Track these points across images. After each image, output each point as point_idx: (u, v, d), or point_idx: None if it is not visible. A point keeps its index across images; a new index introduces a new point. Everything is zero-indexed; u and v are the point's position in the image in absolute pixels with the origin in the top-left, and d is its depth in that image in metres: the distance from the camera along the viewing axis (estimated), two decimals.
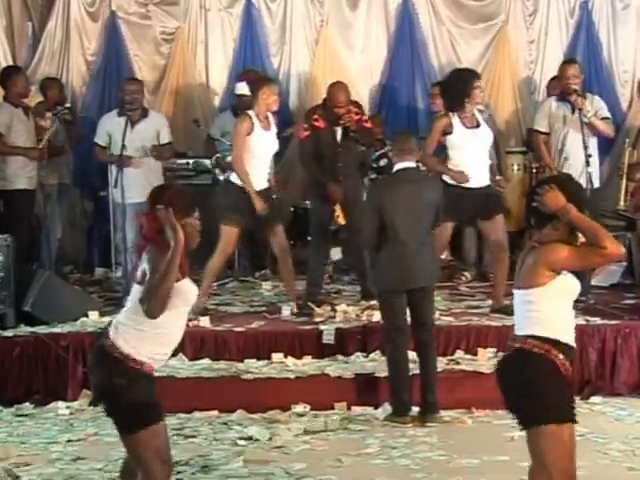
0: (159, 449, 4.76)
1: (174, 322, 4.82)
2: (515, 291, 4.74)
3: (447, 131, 8.28)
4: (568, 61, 9.52)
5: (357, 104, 9.04)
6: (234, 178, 8.36)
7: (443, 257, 9.05)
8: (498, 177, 8.65)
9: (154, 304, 4.64)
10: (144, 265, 4.75)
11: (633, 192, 9.11)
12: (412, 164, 7.26)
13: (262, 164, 8.34)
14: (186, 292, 4.83)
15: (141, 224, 4.85)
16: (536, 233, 4.72)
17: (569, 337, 4.66)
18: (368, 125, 8.92)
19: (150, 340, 4.75)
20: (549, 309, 4.59)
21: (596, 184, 8.85)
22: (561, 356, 4.58)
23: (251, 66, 10.69)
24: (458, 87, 8.31)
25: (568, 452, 4.56)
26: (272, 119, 8.43)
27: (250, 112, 8.30)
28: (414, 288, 7.12)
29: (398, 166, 7.24)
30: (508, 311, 7.98)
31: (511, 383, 4.67)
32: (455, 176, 8.10)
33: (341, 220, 9.00)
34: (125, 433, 4.77)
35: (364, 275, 8.77)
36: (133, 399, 4.71)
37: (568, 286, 4.66)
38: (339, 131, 8.67)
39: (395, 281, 7.10)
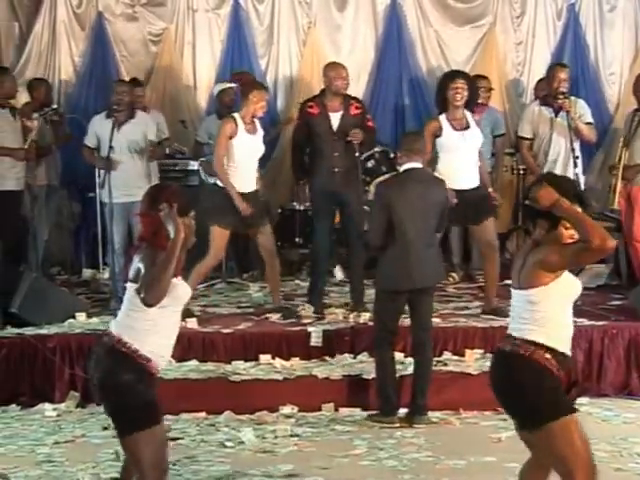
0: (157, 451, 4.75)
1: (166, 321, 4.81)
2: (515, 291, 4.75)
3: (437, 134, 8.27)
4: (559, 65, 9.51)
5: (358, 100, 8.96)
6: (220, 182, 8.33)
7: None
8: (491, 189, 8.59)
9: (152, 292, 4.64)
10: (138, 264, 4.76)
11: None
12: (419, 164, 7.23)
13: (248, 167, 8.26)
14: (177, 291, 4.82)
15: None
16: (533, 233, 4.74)
17: (565, 345, 4.68)
18: (371, 124, 8.85)
19: (149, 336, 4.75)
20: (551, 310, 4.60)
21: (583, 185, 8.86)
22: (548, 355, 4.59)
23: (243, 69, 10.67)
24: (439, 90, 8.36)
25: (580, 443, 4.55)
26: (258, 123, 8.38)
27: (236, 114, 8.28)
28: (418, 288, 7.10)
29: (406, 166, 7.18)
30: (499, 312, 8.03)
31: (505, 389, 4.70)
32: None
33: (336, 218, 8.93)
34: (125, 433, 4.75)
35: (353, 283, 8.70)
36: (139, 398, 4.71)
37: (570, 286, 4.69)
38: (337, 119, 8.57)
39: (399, 281, 7.05)
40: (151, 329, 4.77)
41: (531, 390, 4.57)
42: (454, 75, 8.48)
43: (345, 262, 9.36)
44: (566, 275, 4.65)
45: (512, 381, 4.65)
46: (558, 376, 4.64)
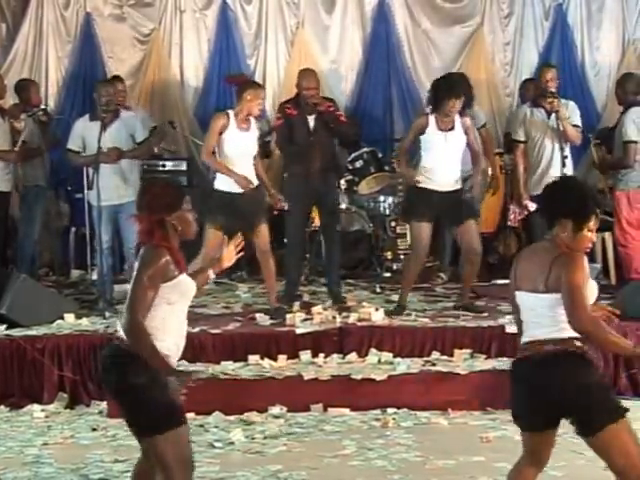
0: (182, 452, 4.68)
1: (175, 318, 4.75)
2: (537, 295, 4.64)
3: (422, 131, 8.30)
4: (546, 65, 9.60)
5: (331, 100, 9.16)
6: (217, 184, 8.34)
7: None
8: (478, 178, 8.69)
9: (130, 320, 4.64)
10: (135, 262, 4.74)
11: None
12: None
13: (239, 164, 8.24)
14: (184, 286, 4.76)
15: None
16: (546, 232, 4.71)
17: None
18: (343, 119, 9.01)
19: (160, 334, 4.69)
20: None
21: None
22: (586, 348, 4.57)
23: (231, 69, 10.68)
24: (437, 96, 8.27)
25: (635, 446, 4.53)
26: (254, 122, 8.40)
27: (229, 111, 8.32)
28: None
29: None
30: (472, 309, 8.29)
31: (562, 388, 4.54)
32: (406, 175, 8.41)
33: (317, 221, 9.03)
34: (146, 434, 4.64)
35: (332, 279, 8.93)
36: (154, 398, 4.61)
37: (592, 288, 4.67)
38: (312, 120, 8.75)
39: None
40: (161, 328, 4.71)
41: (597, 388, 4.51)
42: (455, 94, 8.19)
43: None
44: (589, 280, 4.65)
45: (575, 380, 4.51)
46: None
